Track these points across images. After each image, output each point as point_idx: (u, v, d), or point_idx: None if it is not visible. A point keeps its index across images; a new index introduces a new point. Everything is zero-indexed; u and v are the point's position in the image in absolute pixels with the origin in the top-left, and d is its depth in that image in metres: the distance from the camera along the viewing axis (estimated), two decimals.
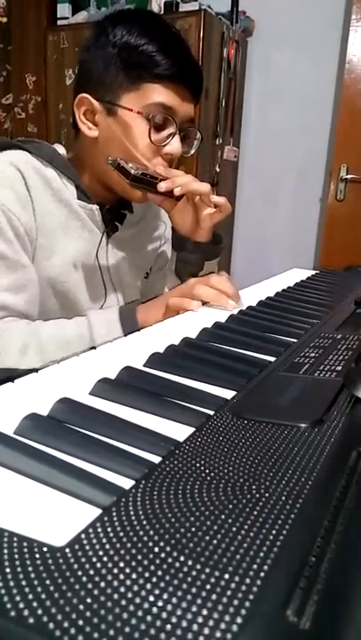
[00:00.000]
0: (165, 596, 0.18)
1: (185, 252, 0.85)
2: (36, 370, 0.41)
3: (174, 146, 0.78)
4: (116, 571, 0.19)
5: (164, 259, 1.03)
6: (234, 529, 0.22)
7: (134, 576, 0.19)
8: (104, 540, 0.21)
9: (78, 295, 0.82)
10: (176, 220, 0.83)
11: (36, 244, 0.76)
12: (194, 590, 0.18)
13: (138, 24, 0.75)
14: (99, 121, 0.78)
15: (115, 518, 0.22)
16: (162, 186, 0.75)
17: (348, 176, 2.33)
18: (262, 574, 0.19)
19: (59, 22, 2.60)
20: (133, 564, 0.20)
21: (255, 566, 0.19)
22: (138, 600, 0.18)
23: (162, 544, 0.21)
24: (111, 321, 0.72)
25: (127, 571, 0.19)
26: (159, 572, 0.19)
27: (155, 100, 0.75)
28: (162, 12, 2.34)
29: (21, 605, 0.17)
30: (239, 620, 0.17)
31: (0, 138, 0.81)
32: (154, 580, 0.19)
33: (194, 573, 0.19)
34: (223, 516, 0.23)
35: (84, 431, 0.32)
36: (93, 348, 0.67)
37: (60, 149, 0.83)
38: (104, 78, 0.76)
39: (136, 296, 0.95)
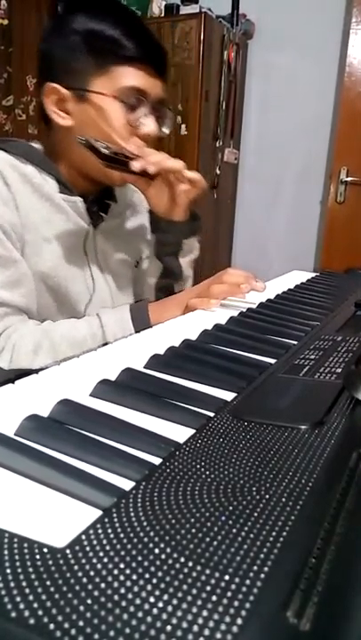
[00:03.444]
0: (166, 597, 0.18)
1: (161, 233, 0.84)
2: (36, 371, 0.41)
3: (150, 126, 0.78)
4: (116, 572, 0.19)
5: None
6: (234, 530, 0.22)
7: (135, 577, 0.19)
8: (104, 542, 0.21)
9: (69, 288, 0.82)
10: (153, 201, 0.82)
11: (23, 240, 0.76)
12: (194, 591, 0.18)
13: (97, 9, 0.76)
14: (71, 109, 0.77)
15: (115, 519, 0.22)
16: (135, 165, 0.74)
17: (349, 178, 2.34)
18: (262, 575, 0.19)
19: None
20: (134, 565, 0.20)
21: (255, 567, 0.19)
22: (138, 601, 0.18)
23: (162, 545, 0.21)
24: (123, 319, 0.72)
25: (127, 572, 0.19)
26: (159, 574, 0.19)
27: (126, 82, 0.75)
28: (162, 15, 2.35)
29: (22, 606, 0.17)
30: (239, 621, 0.17)
31: None
32: (154, 581, 0.19)
33: (194, 574, 0.19)
34: (223, 518, 0.23)
35: (84, 432, 0.32)
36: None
37: (37, 145, 0.83)
38: (70, 66, 0.76)
39: (128, 286, 0.93)
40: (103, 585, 0.19)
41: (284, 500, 0.24)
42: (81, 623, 0.17)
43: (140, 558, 0.20)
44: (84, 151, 0.72)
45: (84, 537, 0.21)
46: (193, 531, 0.22)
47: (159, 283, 0.88)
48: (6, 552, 0.20)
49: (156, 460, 0.28)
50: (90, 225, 0.83)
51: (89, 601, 0.18)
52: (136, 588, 0.18)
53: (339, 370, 0.44)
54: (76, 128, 0.77)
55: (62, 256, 0.80)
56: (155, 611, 0.17)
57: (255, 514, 0.23)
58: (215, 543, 0.21)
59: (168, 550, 0.20)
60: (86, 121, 0.76)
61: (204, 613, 0.17)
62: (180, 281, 0.88)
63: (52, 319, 0.80)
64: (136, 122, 0.77)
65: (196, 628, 0.17)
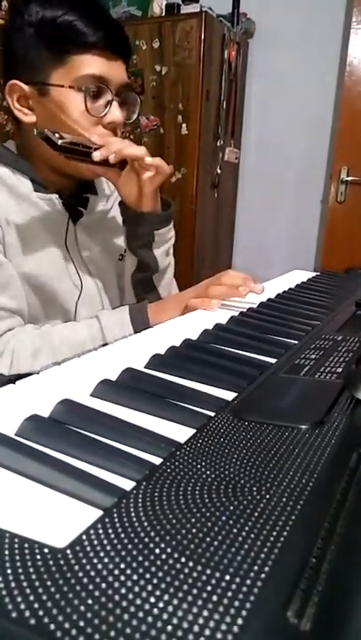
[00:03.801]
0: (166, 597, 0.18)
1: (132, 225, 0.82)
2: (37, 371, 0.41)
3: (114, 114, 0.76)
4: (117, 572, 0.19)
5: None
6: (235, 530, 0.22)
7: (135, 577, 0.19)
8: (105, 542, 0.21)
9: (55, 287, 0.81)
10: (123, 192, 0.79)
11: (4, 243, 0.75)
12: (195, 591, 0.18)
13: None
14: (33, 105, 0.76)
15: (116, 519, 0.22)
16: (96, 154, 0.72)
17: (349, 178, 2.34)
18: (263, 575, 0.19)
19: None
20: (134, 565, 0.20)
21: (256, 567, 0.20)
22: (139, 601, 0.18)
23: (163, 545, 0.21)
24: (123, 321, 0.72)
25: (128, 572, 0.19)
26: (160, 574, 0.19)
27: (84, 71, 0.72)
28: (163, 14, 2.35)
29: (23, 606, 0.17)
30: (240, 622, 0.17)
31: None
32: (155, 581, 0.19)
33: (195, 574, 0.19)
34: (224, 518, 0.23)
35: (85, 432, 0.32)
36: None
37: (10, 145, 0.82)
38: (28, 60, 0.74)
39: (113, 280, 0.92)
40: (104, 585, 0.19)
41: (284, 499, 0.24)
42: (82, 623, 0.17)
43: (140, 558, 0.20)
44: (44, 145, 0.70)
45: (84, 537, 0.21)
46: (193, 531, 0.22)
47: (134, 276, 0.86)
48: (7, 552, 0.20)
49: (157, 460, 0.28)
50: (69, 221, 0.82)
51: (90, 601, 0.18)
52: (137, 588, 0.18)
53: (339, 369, 0.44)
54: (40, 124, 0.76)
55: (44, 255, 0.79)
56: (155, 611, 0.17)
57: (256, 514, 0.23)
58: (216, 543, 0.21)
59: (169, 550, 0.21)
60: (48, 115, 0.75)
61: (205, 613, 0.17)
62: (157, 273, 0.86)
63: (41, 319, 0.80)
64: (98, 111, 0.75)
65: (196, 628, 0.17)
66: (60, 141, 0.70)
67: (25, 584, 0.18)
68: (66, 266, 0.83)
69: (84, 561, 0.20)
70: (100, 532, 0.22)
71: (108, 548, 0.21)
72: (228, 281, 0.73)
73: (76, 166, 0.76)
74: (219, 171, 2.51)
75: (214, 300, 0.70)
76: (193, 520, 0.22)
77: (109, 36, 0.73)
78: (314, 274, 1.10)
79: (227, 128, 2.51)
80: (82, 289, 0.85)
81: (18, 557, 0.20)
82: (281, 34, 2.49)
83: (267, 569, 0.19)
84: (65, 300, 0.82)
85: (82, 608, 0.17)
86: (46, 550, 0.20)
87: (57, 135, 0.70)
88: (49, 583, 0.19)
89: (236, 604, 0.18)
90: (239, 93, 2.56)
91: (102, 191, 0.91)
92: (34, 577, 0.19)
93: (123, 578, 0.19)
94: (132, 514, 0.23)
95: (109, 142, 0.73)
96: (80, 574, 0.19)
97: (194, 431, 0.32)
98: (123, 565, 0.20)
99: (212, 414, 0.35)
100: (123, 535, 0.21)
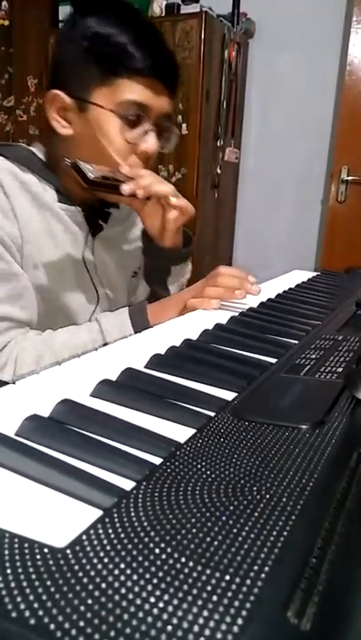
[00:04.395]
0: (166, 597, 0.18)
1: (151, 256, 0.83)
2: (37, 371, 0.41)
3: (150, 143, 0.75)
4: (117, 572, 0.19)
5: None
6: (235, 530, 0.22)
7: (135, 577, 0.19)
8: (105, 542, 0.21)
9: (67, 299, 0.81)
10: (147, 222, 0.80)
11: (22, 252, 0.75)
12: (195, 591, 0.18)
13: (108, 14, 0.72)
14: (71, 118, 0.75)
15: (116, 519, 0.22)
16: (125, 188, 0.71)
17: (349, 178, 2.34)
18: (263, 575, 0.19)
19: (60, 24, 2.61)
20: (134, 565, 0.20)
21: (256, 567, 0.19)
22: (139, 601, 0.18)
23: (163, 545, 0.21)
24: (123, 322, 0.72)
25: (128, 572, 0.19)
26: (160, 574, 0.19)
27: (127, 97, 0.72)
28: (163, 14, 2.35)
29: (22, 606, 0.17)
30: (240, 622, 0.17)
31: None
32: (155, 581, 0.19)
33: (195, 574, 0.19)
34: (224, 518, 0.23)
35: (84, 432, 0.32)
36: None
37: (38, 150, 0.81)
38: (75, 73, 0.73)
39: (124, 296, 0.92)
40: (104, 585, 0.19)
41: (284, 499, 0.24)
42: (81, 623, 0.17)
43: (140, 558, 0.20)
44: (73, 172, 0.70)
45: (84, 537, 0.21)
46: (194, 531, 0.22)
47: None
48: (6, 552, 0.20)
49: (157, 460, 0.28)
50: (89, 234, 0.82)
51: (89, 601, 0.18)
52: (137, 588, 0.18)
53: (340, 369, 0.44)
54: (76, 139, 0.76)
55: (61, 266, 0.79)
56: (155, 611, 0.17)
57: (256, 514, 0.23)
58: (216, 543, 0.21)
59: (169, 550, 0.20)
60: (84, 133, 0.75)
61: (205, 613, 0.17)
62: None
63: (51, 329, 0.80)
64: (135, 139, 0.74)
65: (196, 628, 0.17)
66: (91, 176, 0.70)
67: (25, 584, 0.18)
68: (82, 279, 0.82)
69: (83, 561, 0.20)
70: (100, 531, 0.22)
71: (108, 547, 0.21)
72: (225, 282, 0.72)
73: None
74: (219, 171, 2.51)
75: (214, 300, 0.70)
76: (193, 520, 0.22)
77: (158, 65, 0.73)
78: (314, 274, 1.10)
79: (227, 128, 2.51)
80: (98, 303, 0.85)
81: (18, 557, 0.20)
82: (281, 34, 2.50)
83: (267, 569, 0.19)
84: (78, 313, 0.82)
85: (82, 608, 0.17)
86: (46, 550, 0.20)
87: (89, 167, 0.70)
88: (49, 583, 0.19)
89: (236, 604, 0.18)
90: (239, 93, 2.56)
91: (124, 207, 0.91)
92: (34, 577, 0.19)
93: (123, 578, 0.19)
94: (132, 514, 0.23)
95: (139, 176, 0.73)
96: (80, 574, 0.19)
97: (194, 431, 0.32)
98: (123, 565, 0.20)
99: (213, 414, 0.35)
100: (123, 535, 0.21)
